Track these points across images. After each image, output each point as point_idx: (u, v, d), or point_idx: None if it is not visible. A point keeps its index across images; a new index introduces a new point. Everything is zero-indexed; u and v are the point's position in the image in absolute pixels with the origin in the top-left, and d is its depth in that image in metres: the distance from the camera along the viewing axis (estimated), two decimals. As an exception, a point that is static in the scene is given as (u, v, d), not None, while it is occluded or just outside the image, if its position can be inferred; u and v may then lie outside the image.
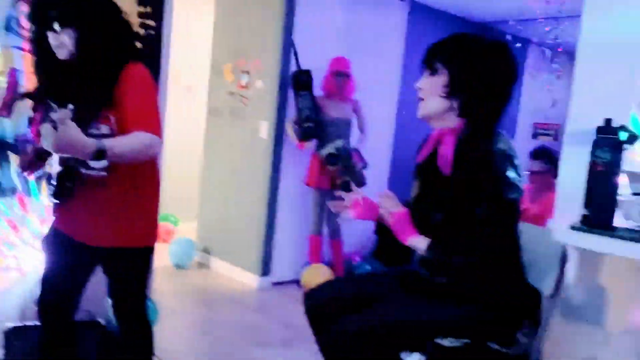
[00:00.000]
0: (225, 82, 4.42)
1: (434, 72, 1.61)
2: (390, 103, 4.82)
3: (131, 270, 1.87)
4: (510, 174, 1.47)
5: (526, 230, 1.68)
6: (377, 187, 4.71)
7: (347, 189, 4.36)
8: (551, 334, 1.63)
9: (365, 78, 4.34)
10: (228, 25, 4.43)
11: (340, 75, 3.99)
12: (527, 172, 3.50)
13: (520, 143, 5.72)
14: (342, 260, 4.21)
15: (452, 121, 1.60)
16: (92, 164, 1.68)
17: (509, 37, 4.58)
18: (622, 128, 1.47)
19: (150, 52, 2.95)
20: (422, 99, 1.64)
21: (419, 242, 1.57)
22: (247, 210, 4.27)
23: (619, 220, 1.53)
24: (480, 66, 1.55)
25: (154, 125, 1.67)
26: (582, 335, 1.77)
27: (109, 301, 1.91)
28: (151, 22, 2.95)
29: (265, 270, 4.22)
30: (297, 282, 4.24)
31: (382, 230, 1.78)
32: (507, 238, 1.53)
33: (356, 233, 4.33)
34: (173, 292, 3.94)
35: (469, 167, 1.52)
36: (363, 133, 4.20)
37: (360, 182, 4.04)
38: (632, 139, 1.48)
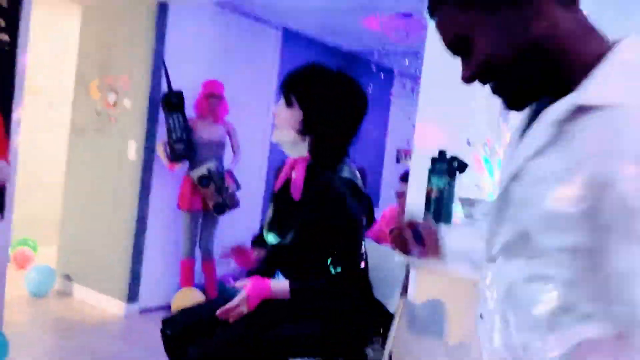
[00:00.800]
0: (91, 100, 4.24)
1: (289, 104, 1.69)
2: (264, 126, 4.90)
3: None
4: (351, 199, 1.58)
5: (375, 249, 1.81)
6: (251, 209, 4.76)
7: (221, 212, 4.35)
8: (397, 348, 1.75)
9: (239, 100, 4.38)
10: (95, 40, 4.27)
11: (213, 97, 4.01)
12: (396, 193, 3.74)
13: (387, 167, 6.07)
14: (215, 283, 4.17)
15: (304, 151, 1.70)
16: None
17: (374, 68, 4.87)
18: (454, 159, 1.65)
19: (5, 66, 2.78)
20: (276, 127, 1.72)
21: (280, 289, 1.63)
22: (113, 234, 4.09)
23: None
24: (333, 108, 1.66)
25: (2, 150, 1.58)
26: (424, 348, 1.92)
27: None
28: (4, 36, 2.78)
29: (133, 296, 4.06)
30: (168, 307, 4.12)
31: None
32: (351, 259, 1.63)
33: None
34: (29, 323, 3.66)
35: (315, 193, 1.63)
36: (236, 155, 4.23)
37: (234, 204, 4.06)
38: (462, 167, 1.65)
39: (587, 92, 0.75)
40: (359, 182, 1.66)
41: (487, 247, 0.94)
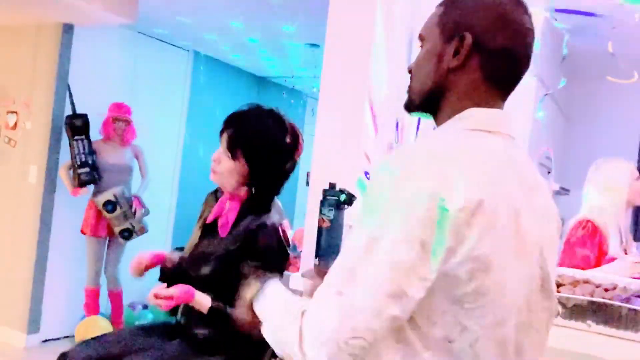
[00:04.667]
0: (-11, 122, 4.06)
1: (235, 157, 1.71)
2: (175, 149, 4.87)
3: None
4: (275, 249, 1.67)
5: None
6: (161, 234, 4.69)
7: (128, 237, 4.26)
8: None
9: (148, 123, 4.33)
10: (-6, 60, 4.10)
11: (119, 120, 3.95)
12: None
13: (301, 190, 6.17)
14: (122, 311, 4.07)
15: (240, 190, 1.75)
16: None
17: (286, 92, 4.99)
18: (343, 191, 1.76)
19: None
20: (216, 173, 1.74)
21: (203, 300, 1.67)
22: (12, 262, 3.90)
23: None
24: (277, 161, 1.71)
25: None
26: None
27: None
28: None
29: (34, 327, 3.88)
30: (72, 337, 3.97)
31: (167, 276, 1.83)
32: None
33: (138, 280, 4.22)
34: None
35: (242, 235, 1.68)
36: (144, 179, 4.17)
37: (141, 230, 4.00)
38: (350, 199, 1.77)
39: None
40: (285, 224, 1.74)
41: None
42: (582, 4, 2.68)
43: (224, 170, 1.72)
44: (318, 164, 2.16)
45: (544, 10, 2.79)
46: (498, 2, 0.95)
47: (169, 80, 4.76)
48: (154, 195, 4.32)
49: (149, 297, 1.66)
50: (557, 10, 2.51)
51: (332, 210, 1.73)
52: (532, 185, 0.94)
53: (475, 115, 0.93)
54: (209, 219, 1.81)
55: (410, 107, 1.02)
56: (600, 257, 2.21)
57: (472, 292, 0.82)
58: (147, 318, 4.32)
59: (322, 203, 1.76)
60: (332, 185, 1.77)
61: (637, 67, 2.79)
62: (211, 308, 1.65)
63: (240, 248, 1.66)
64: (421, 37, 1.01)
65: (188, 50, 4.87)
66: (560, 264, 2.13)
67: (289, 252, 1.74)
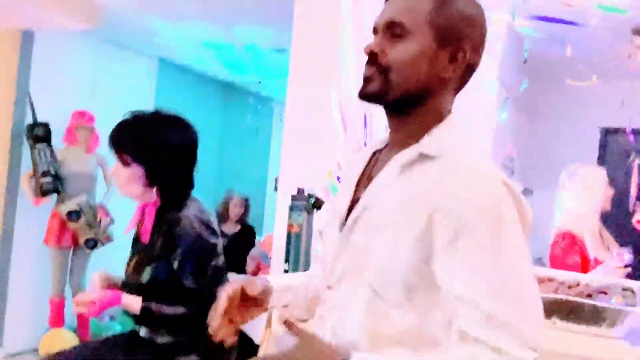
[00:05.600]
0: (-55, 131, 3.93)
1: (126, 164, 1.68)
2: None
3: None
4: (190, 231, 1.65)
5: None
6: (126, 243, 4.59)
7: (93, 247, 4.17)
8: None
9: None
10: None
11: (82, 128, 3.87)
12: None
13: (269, 196, 6.15)
14: (88, 323, 3.97)
15: (152, 197, 1.73)
16: None
17: (252, 98, 4.96)
18: (311, 196, 1.76)
19: None
20: (119, 186, 1.73)
21: (132, 301, 1.65)
22: (-29, 276, 3.78)
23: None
24: (169, 152, 1.69)
25: None
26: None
27: None
28: None
29: (-4, 341, 3.77)
30: (37, 351, 3.86)
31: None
32: (207, 290, 1.67)
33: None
34: None
35: (162, 234, 1.68)
36: (109, 188, 4.09)
37: (107, 239, 3.92)
38: (319, 204, 1.77)
39: (426, 145, 0.96)
40: (205, 216, 1.72)
41: (326, 275, 1.04)
42: (548, 10, 2.74)
43: (124, 180, 1.70)
44: (286, 170, 2.16)
45: (506, 15, 2.85)
46: (482, 15, 0.99)
47: (133, 87, 4.69)
48: (120, 204, 4.24)
49: (73, 305, 1.64)
50: (535, 18, 2.56)
51: (301, 215, 1.73)
52: None
53: (463, 123, 1.01)
54: (127, 230, 1.83)
55: (382, 99, 0.98)
56: (585, 264, 2.29)
57: None
58: (115, 329, 4.23)
59: (291, 208, 1.76)
60: (300, 191, 1.77)
61: (596, 69, 2.88)
62: (142, 308, 1.64)
63: (162, 248, 1.67)
64: (401, 26, 0.96)
65: (152, 58, 4.81)
66: None
67: (215, 240, 1.71)
